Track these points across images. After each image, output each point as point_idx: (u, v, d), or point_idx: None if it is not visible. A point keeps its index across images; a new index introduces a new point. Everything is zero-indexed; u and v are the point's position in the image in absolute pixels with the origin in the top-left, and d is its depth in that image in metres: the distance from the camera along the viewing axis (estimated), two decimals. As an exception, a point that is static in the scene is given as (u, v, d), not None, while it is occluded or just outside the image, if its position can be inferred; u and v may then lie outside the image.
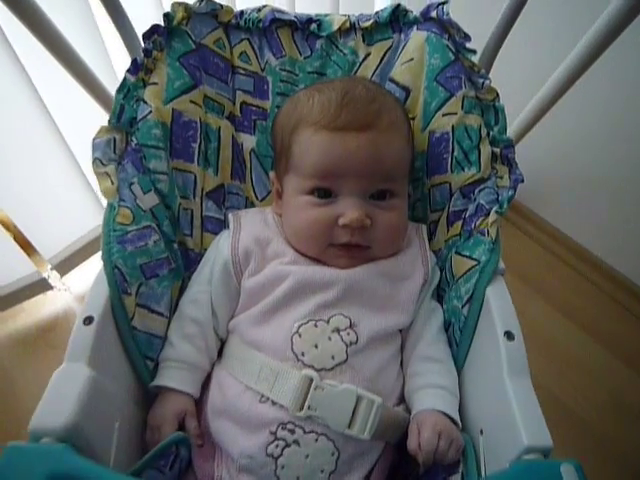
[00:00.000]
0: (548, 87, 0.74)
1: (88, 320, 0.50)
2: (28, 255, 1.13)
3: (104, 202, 1.20)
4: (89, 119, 0.98)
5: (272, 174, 0.65)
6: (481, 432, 0.50)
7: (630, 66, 1.02)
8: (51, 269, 1.19)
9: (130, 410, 0.53)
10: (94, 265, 1.24)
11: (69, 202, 1.15)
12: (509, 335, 0.50)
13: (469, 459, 0.49)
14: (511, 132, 0.80)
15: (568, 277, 1.31)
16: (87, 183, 1.14)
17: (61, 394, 0.44)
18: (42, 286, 1.18)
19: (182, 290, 0.62)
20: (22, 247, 1.11)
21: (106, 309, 0.51)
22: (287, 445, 0.49)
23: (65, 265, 1.21)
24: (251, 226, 0.61)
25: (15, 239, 1.10)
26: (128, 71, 0.60)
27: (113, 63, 1.04)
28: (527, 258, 1.34)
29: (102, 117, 0.84)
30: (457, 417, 0.52)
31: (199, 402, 0.56)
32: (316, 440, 0.49)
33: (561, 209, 1.35)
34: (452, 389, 0.55)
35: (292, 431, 0.49)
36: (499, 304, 0.52)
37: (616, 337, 1.19)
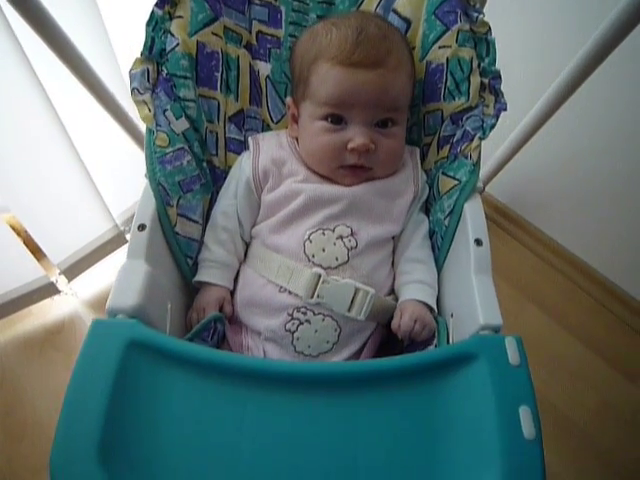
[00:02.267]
0: (544, 100, 0.79)
1: (141, 227, 0.61)
2: (37, 260, 1.14)
3: (112, 210, 1.23)
4: (99, 128, 1.02)
5: (289, 100, 0.73)
6: (452, 316, 0.64)
7: (625, 79, 1.03)
8: (59, 274, 1.21)
9: (176, 296, 0.67)
10: (101, 271, 1.28)
11: (78, 209, 1.16)
12: (478, 242, 0.62)
13: (442, 335, 0.63)
14: (508, 144, 0.85)
15: (560, 284, 1.34)
16: (96, 191, 1.15)
17: (128, 282, 0.56)
18: (50, 290, 1.20)
19: (211, 202, 0.73)
20: (32, 252, 1.12)
21: (154, 218, 0.62)
22: (301, 323, 0.64)
23: (73, 270, 1.22)
24: (268, 148, 0.71)
25: (25, 244, 1.11)
26: (156, 5, 0.65)
27: (122, 71, 1.05)
28: (520, 265, 1.37)
29: (112, 128, 0.87)
30: (434, 304, 0.66)
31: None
32: (323, 320, 0.64)
33: (555, 218, 1.37)
34: (432, 284, 0.68)
35: (305, 313, 0.64)
36: (473, 217, 0.64)
37: (606, 343, 1.23)
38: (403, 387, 0.52)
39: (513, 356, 0.52)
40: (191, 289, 0.70)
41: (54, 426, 1.04)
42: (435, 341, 0.64)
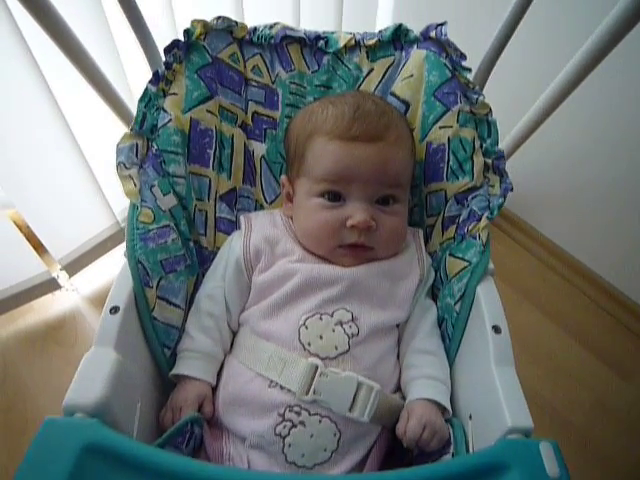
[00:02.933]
0: (540, 103, 0.79)
1: (114, 309, 0.54)
2: (39, 255, 1.16)
3: (114, 207, 1.25)
4: (102, 127, 1.03)
5: (284, 178, 0.70)
6: (470, 417, 0.55)
7: (630, 81, 1.07)
8: (60, 269, 1.22)
9: (149, 393, 0.58)
10: (101, 267, 1.30)
11: (80, 206, 1.19)
12: (496, 329, 0.55)
13: (459, 441, 0.54)
14: (504, 146, 0.85)
15: (557, 285, 1.36)
16: (98, 188, 1.18)
17: (91, 375, 0.48)
18: (51, 286, 1.21)
19: (196, 285, 0.67)
20: (34, 247, 1.15)
21: (130, 300, 0.56)
22: (294, 425, 0.54)
23: (74, 266, 1.24)
24: (261, 227, 0.66)
25: (27, 239, 1.13)
26: (150, 82, 0.65)
27: (126, 73, 1.08)
28: (518, 266, 1.39)
29: (114, 125, 0.88)
30: (447, 404, 0.57)
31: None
32: (320, 421, 0.54)
33: (553, 221, 1.40)
34: (443, 379, 0.60)
35: (298, 413, 0.54)
36: (488, 301, 0.57)
37: (601, 342, 1.24)
38: None
39: (550, 465, 0.44)
40: (166, 385, 0.61)
41: None
42: (451, 449, 0.54)
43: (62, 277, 1.25)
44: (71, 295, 1.27)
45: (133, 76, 1.10)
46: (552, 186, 1.37)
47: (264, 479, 0.45)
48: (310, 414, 0.54)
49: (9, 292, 1.15)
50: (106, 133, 1.05)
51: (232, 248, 0.66)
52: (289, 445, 0.53)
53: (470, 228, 0.64)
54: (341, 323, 0.59)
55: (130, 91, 1.09)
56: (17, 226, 1.11)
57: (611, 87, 1.07)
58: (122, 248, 1.31)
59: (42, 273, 1.18)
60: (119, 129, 0.88)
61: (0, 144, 0.98)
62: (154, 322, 0.58)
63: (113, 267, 1.32)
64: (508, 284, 1.30)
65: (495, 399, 0.50)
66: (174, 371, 0.59)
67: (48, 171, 1.08)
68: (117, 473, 0.43)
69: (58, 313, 1.24)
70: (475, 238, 0.62)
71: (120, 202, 1.28)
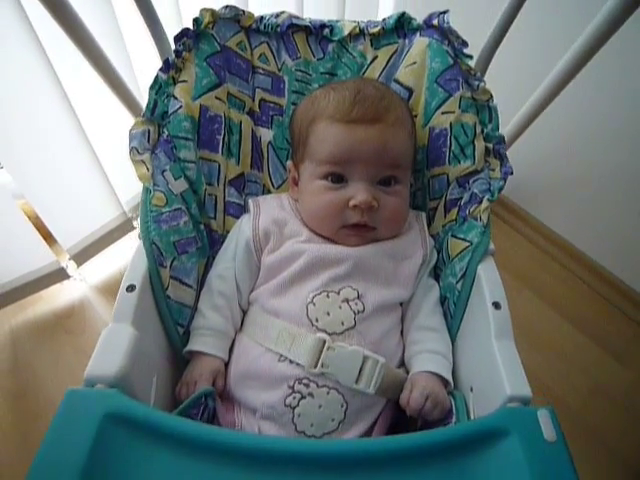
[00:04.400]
0: (540, 91, 0.80)
1: (130, 288, 0.57)
2: (48, 245, 1.18)
3: (121, 198, 1.27)
4: (110, 120, 1.06)
5: (289, 163, 0.72)
6: (471, 389, 0.58)
7: (627, 70, 1.08)
8: (69, 259, 1.24)
9: (163, 368, 0.60)
10: (108, 257, 1.33)
11: (88, 197, 1.22)
12: (497, 305, 0.57)
13: (460, 412, 0.56)
14: (505, 134, 0.86)
15: (555, 271, 1.39)
16: (106, 180, 1.20)
17: (110, 348, 0.51)
18: (60, 275, 1.24)
19: (207, 267, 0.69)
20: (43, 237, 1.16)
21: (145, 279, 0.58)
22: (303, 397, 0.56)
23: (82, 256, 1.27)
24: (269, 209, 0.69)
25: (37, 229, 1.14)
26: (160, 70, 0.67)
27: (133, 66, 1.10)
28: (518, 253, 1.42)
29: (122, 118, 0.88)
30: (449, 377, 0.60)
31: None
32: (328, 393, 0.57)
33: (551, 209, 1.42)
34: (445, 354, 0.62)
35: (307, 385, 0.57)
36: (488, 279, 0.60)
37: (598, 327, 1.27)
38: (423, 469, 0.45)
39: (548, 431, 0.46)
40: (179, 361, 0.64)
41: None
42: (453, 419, 0.57)
43: (71, 267, 1.27)
44: (79, 284, 1.30)
45: (140, 71, 1.12)
46: (551, 176, 1.39)
47: (276, 443, 0.47)
48: (318, 386, 0.57)
49: (19, 281, 1.17)
50: (114, 126, 1.08)
51: (242, 230, 0.68)
52: (298, 415, 0.56)
53: (471, 210, 0.66)
54: (347, 300, 0.61)
55: (137, 83, 1.11)
56: (27, 216, 1.12)
57: (610, 76, 1.08)
58: (129, 238, 1.34)
59: (51, 263, 1.20)
60: (127, 122, 0.90)
61: (11, 138, 0.99)
62: (168, 301, 0.60)
63: (120, 257, 1.35)
64: (508, 272, 1.30)
65: (495, 371, 0.52)
66: (188, 347, 0.62)
67: (58, 163, 1.10)
68: (137, 440, 0.45)
69: (67, 302, 1.26)
70: (476, 220, 0.65)
71: (127, 193, 1.30)
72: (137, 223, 1.37)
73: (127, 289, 0.57)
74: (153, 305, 0.60)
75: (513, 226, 1.48)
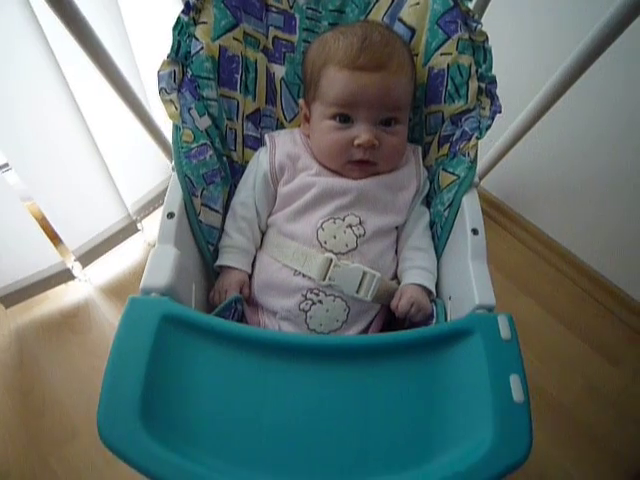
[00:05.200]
0: (539, 98, 0.84)
1: (170, 215, 0.67)
2: (55, 246, 1.20)
3: (126, 201, 1.32)
4: (116, 123, 1.09)
5: (301, 101, 0.80)
6: (450, 298, 0.71)
7: (619, 76, 1.09)
8: (74, 260, 1.27)
9: (199, 279, 0.73)
10: (112, 258, 1.37)
11: (94, 199, 1.24)
12: (475, 231, 0.68)
13: (440, 315, 0.69)
14: (502, 142, 0.90)
15: (550, 275, 1.43)
16: (112, 183, 1.22)
17: (160, 264, 0.62)
18: (66, 276, 1.27)
19: (230, 193, 0.79)
20: (50, 238, 1.18)
21: (181, 207, 0.68)
22: (314, 303, 0.70)
23: (87, 257, 1.29)
24: (283, 145, 0.78)
25: (44, 231, 1.16)
26: (182, 12, 0.72)
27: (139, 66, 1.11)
28: (513, 257, 1.46)
29: (128, 121, 0.92)
30: (432, 288, 0.73)
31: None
32: (334, 300, 0.70)
33: (546, 213, 1.45)
34: (431, 269, 0.75)
35: (317, 294, 0.70)
36: (470, 209, 0.70)
37: (591, 330, 1.31)
38: (407, 358, 0.58)
39: (505, 331, 0.58)
40: (211, 273, 0.76)
41: (72, 403, 1.14)
42: (434, 321, 0.71)
43: (76, 268, 1.29)
44: (84, 285, 1.32)
45: (147, 75, 1.13)
46: (548, 181, 1.40)
47: (293, 338, 0.61)
48: (326, 295, 0.70)
49: (26, 282, 1.20)
50: (120, 130, 1.13)
51: (260, 163, 0.78)
52: (310, 317, 0.70)
53: (461, 146, 0.74)
54: (351, 226, 0.72)
55: (143, 87, 1.12)
56: (34, 218, 1.13)
57: (608, 84, 1.10)
58: (131, 240, 1.40)
59: (57, 264, 1.23)
60: (133, 126, 0.93)
61: (20, 141, 1.01)
62: (200, 225, 0.72)
63: (124, 258, 1.39)
64: (504, 275, 1.38)
65: (468, 284, 0.64)
66: (218, 262, 0.75)
67: (65, 166, 1.12)
68: (187, 335, 0.57)
69: (72, 302, 1.29)
70: (465, 155, 0.73)
71: (132, 196, 1.33)
72: (141, 225, 1.40)
73: (168, 216, 0.67)
74: (188, 228, 0.71)
75: (509, 230, 1.51)
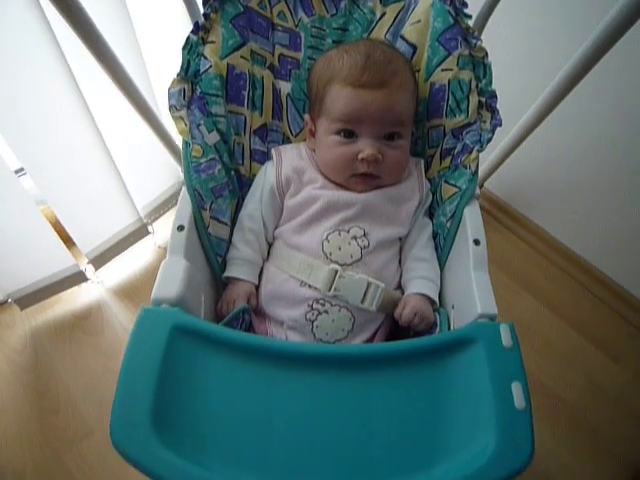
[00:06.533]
0: (541, 101, 0.85)
1: (180, 228, 0.69)
2: (68, 249, 1.22)
3: (137, 204, 1.34)
4: (127, 128, 1.11)
5: (307, 116, 0.82)
6: (452, 307, 0.73)
7: (622, 78, 1.11)
8: (87, 263, 1.29)
9: (208, 290, 0.75)
10: (124, 261, 1.39)
11: (106, 203, 1.25)
12: (476, 242, 0.70)
13: (443, 324, 0.71)
14: (505, 144, 0.92)
15: (552, 273, 1.44)
16: (123, 186, 1.24)
17: (170, 275, 0.63)
18: (79, 278, 1.29)
19: (237, 206, 0.82)
20: (63, 241, 1.20)
21: (191, 220, 0.71)
22: (320, 313, 0.72)
23: (99, 259, 1.31)
24: (290, 159, 0.80)
25: (58, 234, 1.18)
26: (191, 32, 0.74)
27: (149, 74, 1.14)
28: (515, 256, 1.47)
29: (139, 127, 0.94)
30: (436, 297, 0.75)
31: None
32: (339, 310, 0.72)
33: (548, 212, 1.46)
34: (434, 279, 0.76)
35: (323, 304, 0.72)
36: (472, 220, 0.72)
37: (593, 327, 1.33)
38: (411, 366, 0.60)
39: (506, 340, 0.59)
40: (219, 284, 0.78)
41: (85, 403, 1.19)
42: (437, 330, 0.72)
43: (89, 270, 1.31)
44: (97, 287, 1.34)
45: (156, 80, 1.15)
46: (550, 182, 1.42)
47: (300, 347, 0.63)
48: (332, 305, 0.72)
49: (40, 284, 1.22)
50: (131, 135, 1.15)
51: (267, 177, 0.80)
52: (316, 327, 0.72)
53: (463, 159, 0.76)
54: (355, 237, 0.74)
55: (153, 92, 1.14)
56: (48, 221, 1.15)
57: (609, 85, 1.11)
58: (142, 243, 1.41)
59: (71, 266, 1.25)
60: (143, 131, 0.96)
61: (35, 147, 1.03)
62: (209, 237, 0.74)
63: (135, 261, 1.40)
64: (507, 274, 1.39)
65: (471, 293, 0.65)
66: (226, 274, 0.77)
67: (78, 171, 1.14)
68: (197, 345, 0.58)
69: (85, 304, 1.30)
70: (466, 168, 0.75)
71: (143, 200, 1.35)
72: (152, 228, 1.42)
73: (178, 229, 0.69)
74: (198, 240, 0.73)
75: (513, 230, 1.52)
